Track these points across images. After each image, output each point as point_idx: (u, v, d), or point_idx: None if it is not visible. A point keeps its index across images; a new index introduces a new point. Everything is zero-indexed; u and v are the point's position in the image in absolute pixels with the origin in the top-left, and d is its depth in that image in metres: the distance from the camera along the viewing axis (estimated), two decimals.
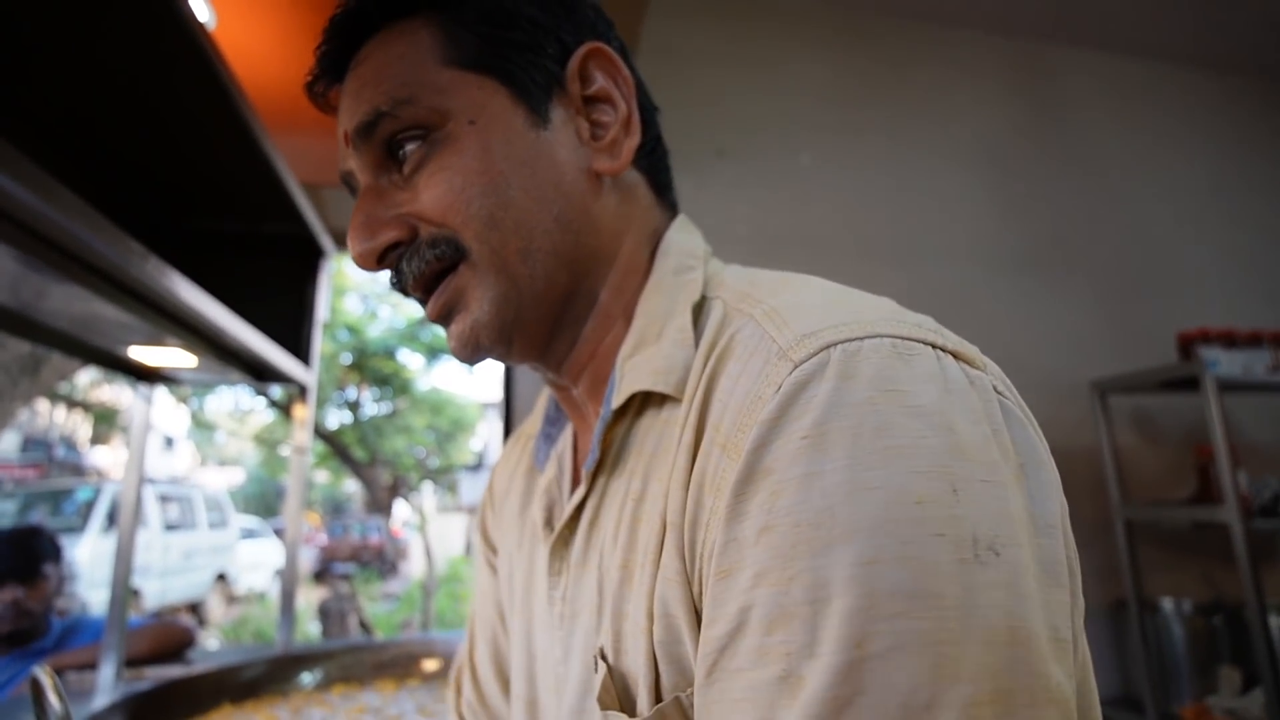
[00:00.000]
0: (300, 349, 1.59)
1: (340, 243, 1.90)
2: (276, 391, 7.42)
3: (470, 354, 0.43)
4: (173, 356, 1.28)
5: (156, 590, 6.38)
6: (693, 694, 0.32)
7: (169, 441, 17.03)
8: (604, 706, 0.36)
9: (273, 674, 1.17)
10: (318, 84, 0.46)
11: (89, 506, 6.07)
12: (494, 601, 0.59)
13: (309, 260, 1.67)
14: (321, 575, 9.09)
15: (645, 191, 0.48)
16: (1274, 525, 1.68)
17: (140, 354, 1.24)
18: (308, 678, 1.17)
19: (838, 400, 0.29)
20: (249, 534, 9.75)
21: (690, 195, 2.05)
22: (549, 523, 0.48)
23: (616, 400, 0.40)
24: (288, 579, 1.51)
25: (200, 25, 1.00)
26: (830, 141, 2.18)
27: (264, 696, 1.15)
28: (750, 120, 2.14)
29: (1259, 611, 1.50)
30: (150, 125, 1.18)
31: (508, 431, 1.92)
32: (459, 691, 0.62)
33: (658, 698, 0.35)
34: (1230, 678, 1.66)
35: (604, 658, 0.38)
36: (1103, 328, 2.21)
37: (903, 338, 0.31)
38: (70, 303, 1.00)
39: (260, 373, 1.50)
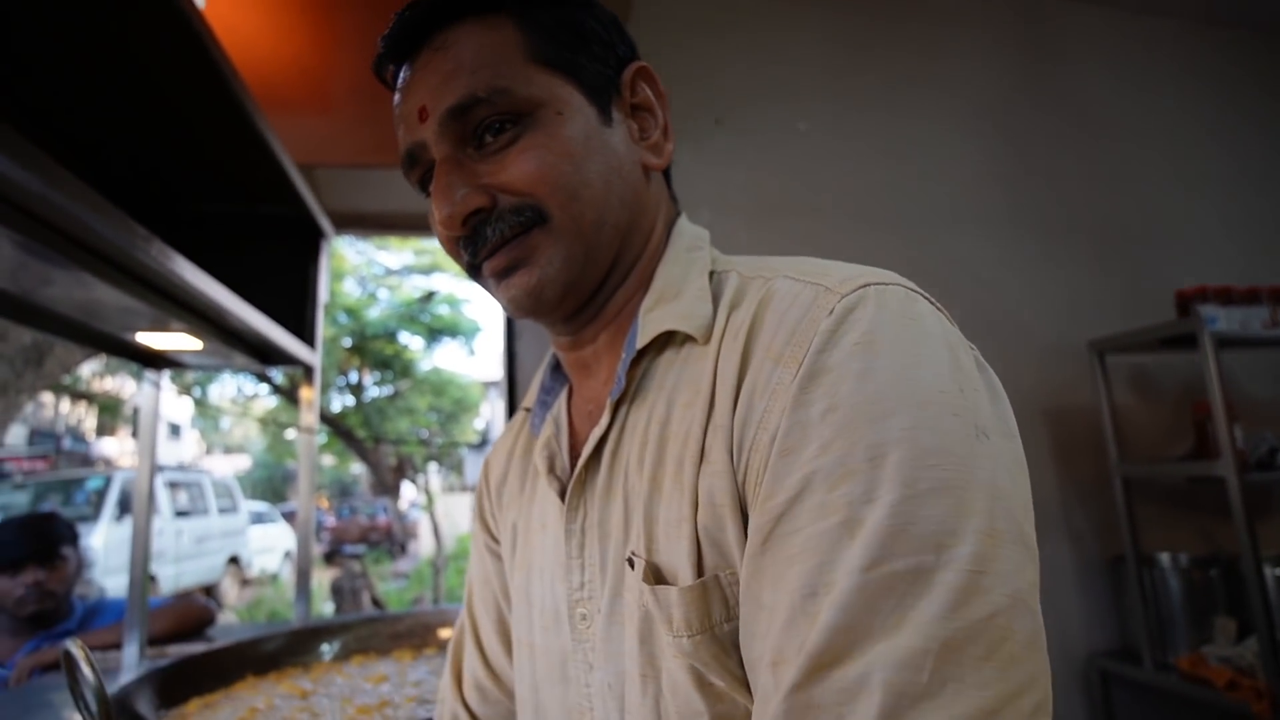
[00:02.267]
0: (303, 330, 1.60)
1: (340, 225, 1.90)
2: (279, 376, 7.44)
3: (533, 304, 0.48)
4: (179, 340, 1.30)
5: (171, 575, 6.48)
6: (733, 574, 0.40)
7: (174, 429, 17.12)
8: (648, 583, 0.42)
9: (293, 646, 1.21)
10: (387, 61, 0.51)
11: (100, 495, 6.14)
12: (497, 585, 0.63)
13: (309, 242, 1.67)
14: (332, 557, 9.21)
15: (663, 185, 0.56)
16: (1270, 479, 1.70)
17: (147, 339, 1.25)
18: (326, 649, 1.20)
19: (880, 320, 0.38)
20: (258, 518, 9.85)
21: (687, 164, 2.05)
22: (553, 470, 0.53)
23: (642, 340, 0.47)
24: (303, 555, 1.54)
25: (193, 6, 0.99)
26: (827, 107, 2.16)
27: (285, 668, 1.18)
28: (746, 87, 2.12)
29: (1254, 562, 1.54)
30: (144, 109, 1.18)
31: (511, 409, 1.94)
32: (458, 678, 0.66)
33: (699, 575, 0.41)
34: (1225, 627, 1.70)
35: (635, 556, 0.44)
36: (1101, 287, 2.22)
37: (908, 289, 0.41)
38: (76, 289, 1.01)
39: (265, 355, 1.52)
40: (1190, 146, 2.41)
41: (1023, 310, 2.16)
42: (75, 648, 0.75)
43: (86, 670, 0.74)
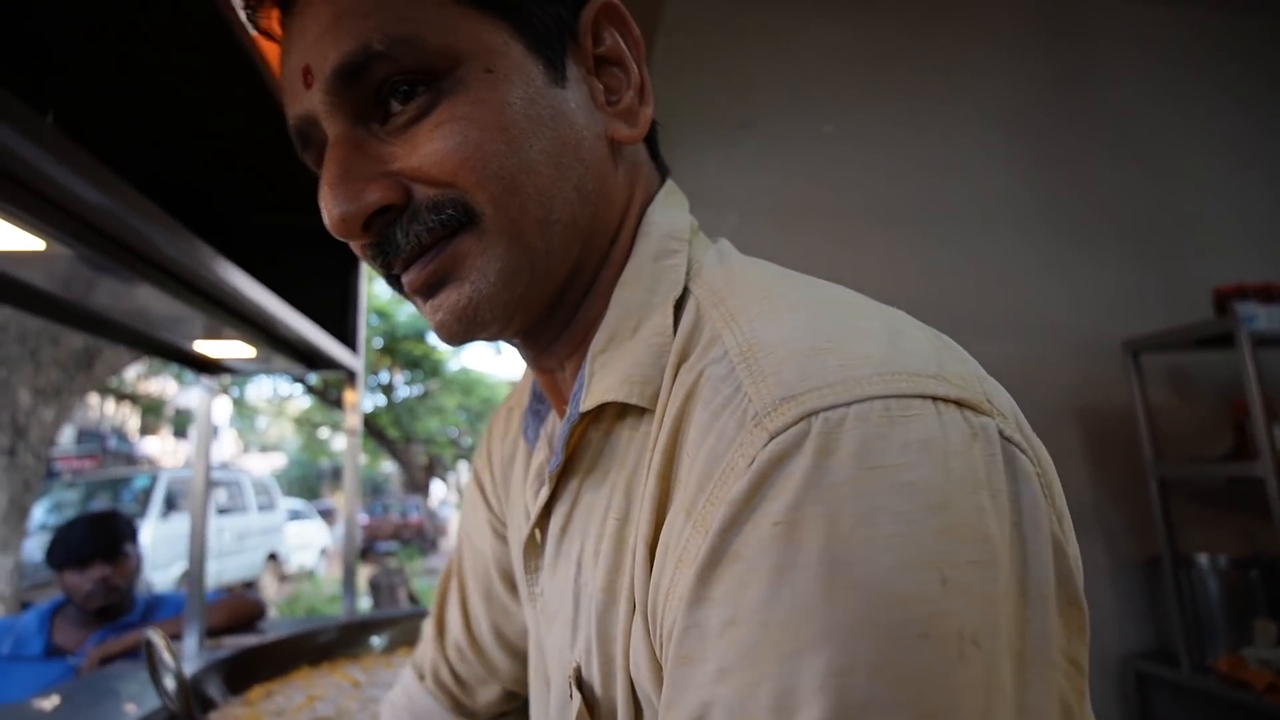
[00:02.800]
0: (346, 336, 1.67)
1: None
2: (312, 377, 7.63)
3: (464, 330, 0.37)
4: (234, 348, 1.37)
5: (213, 571, 6.70)
6: None
7: (214, 430, 17.61)
8: None
9: (344, 639, 1.27)
10: (264, 5, 0.37)
11: (147, 494, 6.37)
12: (494, 566, 0.59)
13: (349, 250, 1.74)
14: (365, 554, 9.40)
15: (646, 159, 0.43)
16: None
17: (205, 347, 1.32)
18: (376, 641, 1.26)
19: (816, 481, 0.26)
20: (295, 515, 10.10)
21: (714, 170, 2.08)
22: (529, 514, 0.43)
23: (585, 404, 0.36)
24: (348, 552, 1.61)
25: (244, 31, 1.05)
26: (855, 110, 2.17)
27: (337, 659, 1.24)
28: (773, 91, 2.14)
29: None
30: (197, 128, 1.25)
31: None
32: (441, 632, 0.62)
33: None
34: (1266, 630, 1.67)
35: (579, 682, 0.36)
36: (1137, 286, 2.19)
37: (897, 396, 0.27)
38: (142, 301, 1.07)
39: (311, 360, 1.58)
40: (1227, 140, 2.36)
41: (1055, 310, 2.14)
42: (157, 637, 0.81)
43: (167, 657, 0.80)
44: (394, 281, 0.39)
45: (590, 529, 0.37)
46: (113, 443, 13.73)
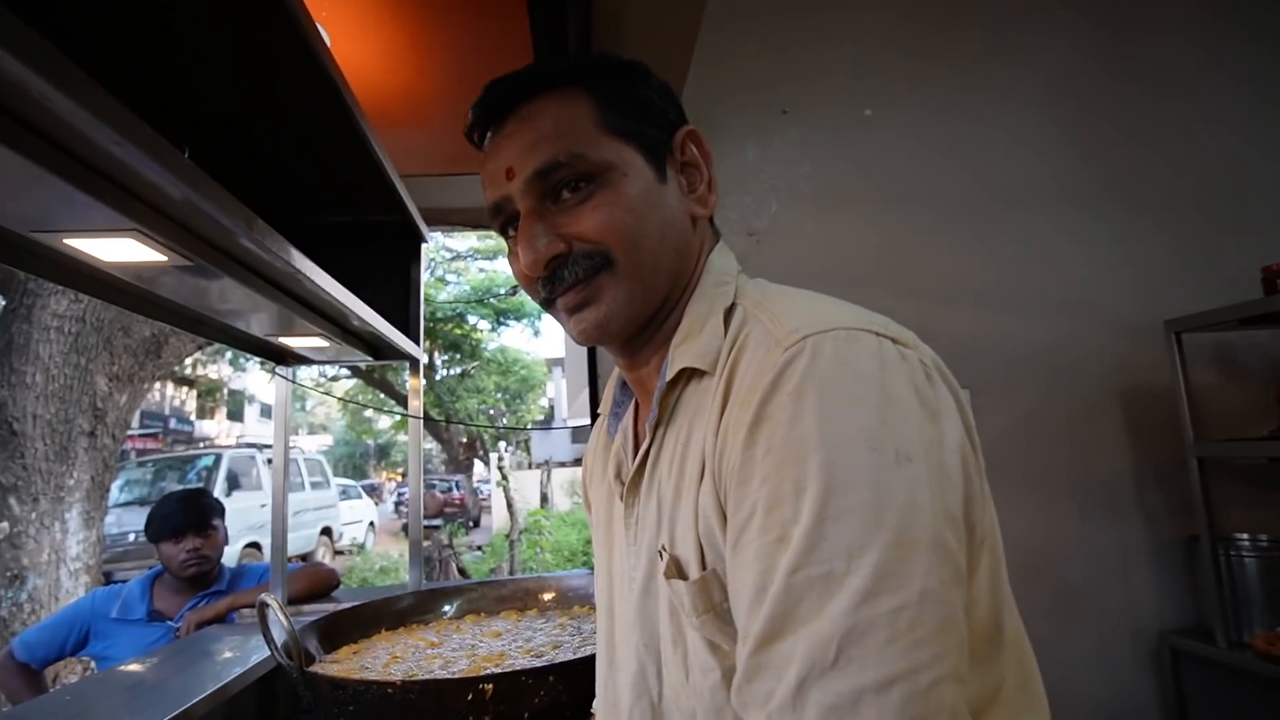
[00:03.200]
0: (408, 327, 1.78)
1: (434, 223, 2.07)
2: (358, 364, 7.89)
3: (599, 334, 0.58)
4: (312, 341, 1.48)
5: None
6: (725, 568, 0.48)
7: (265, 410, 18.30)
8: (668, 577, 0.53)
9: (418, 605, 1.39)
10: (479, 127, 0.61)
11: (210, 472, 6.73)
12: None
13: (409, 244, 1.85)
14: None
15: (707, 227, 0.64)
16: None
17: (288, 341, 1.44)
18: (448, 608, 1.38)
19: (810, 370, 0.45)
20: (343, 493, 10.52)
21: (755, 156, 2.13)
22: (619, 476, 0.65)
23: (670, 374, 0.56)
24: (414, 527, 1.73)
25: (323, 44, 1.14)
26: (894, 93, 2.18)
27: (412, 624, 1.37)
28: (813, 77, 2.16)
29: None
30: (276, 134, 1.34)
31: (593, 386, 2.07)
32: None
33: (703, 569, 0.51)
34: None
35: (664, 550, 0.55)
36: (1183, 265, 2.17)
37: (853, 329, 0.47)
38: (240, 301, 1.19)
39: (377, 350, 1.70)
40: (1276, 116, 2.30)
41: (1098, 290, 2.14)
42: (271, 600, 0.93)
43: (280, 617, 0.92)
44: (548, 304, 0.59)
45: (666, 459, 0.57)
46: (173, 423, 14.40)
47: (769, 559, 0.42)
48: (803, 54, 2.17)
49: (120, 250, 0.85)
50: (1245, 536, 1.84)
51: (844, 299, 0.54)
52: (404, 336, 1.65)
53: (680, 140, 0.60)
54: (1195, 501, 1.86)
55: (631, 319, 0.58)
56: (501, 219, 0.60)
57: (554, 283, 0.57)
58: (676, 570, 0.53)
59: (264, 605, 0.92)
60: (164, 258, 0.89)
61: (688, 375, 0.56)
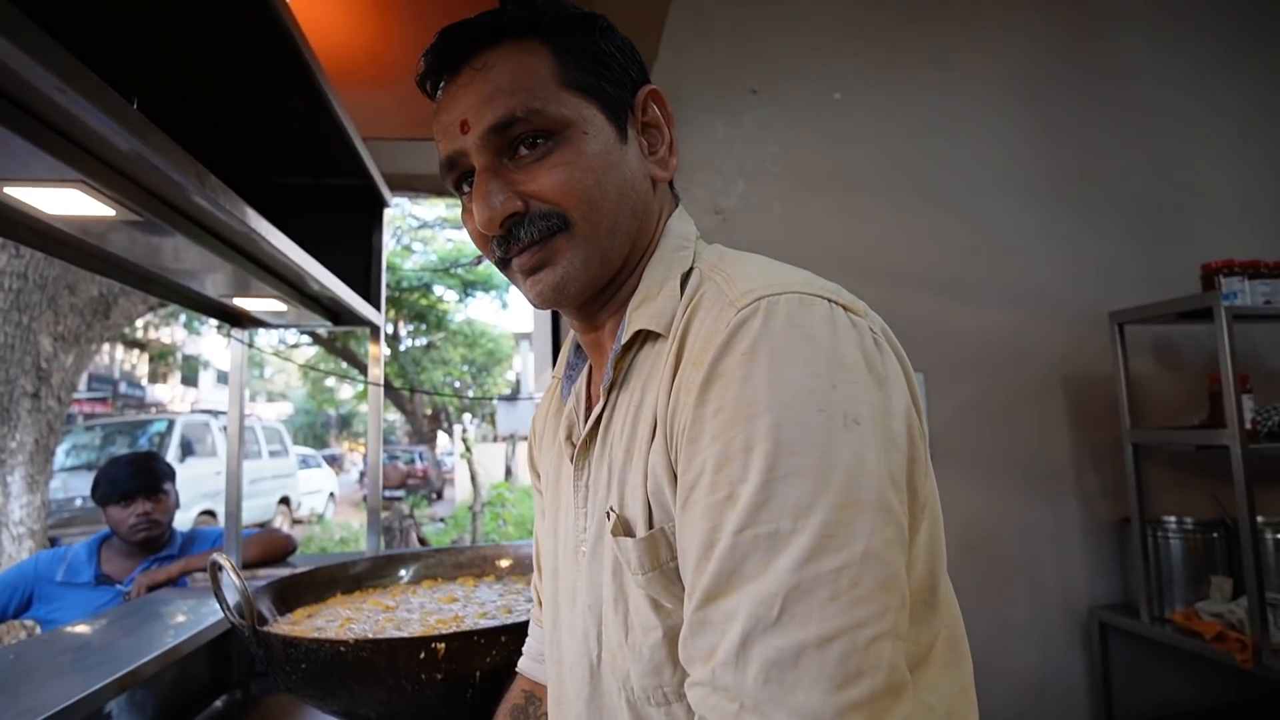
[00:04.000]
0: (369, 292, 1.76)
1: (398, 189, 2.03)
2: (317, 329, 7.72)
3: (555, 297, 0.57)
4: (268, 304, 1.46)
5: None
6: (673, 526, 0.50)
7: (221, 376, 17.82)
8: (614, 535, 0.54)
9: (373, 571, 1.39)
10: (429, 75, 0.58)
11: (162, 437, 6.55)
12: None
13: (371, 210, 1.81)
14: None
15: (667, 190, 0.63)
16: (1278, 449, 1.78)
17: (243, 303, 1.41)
18: (404, 573, 1.39)
19: (763, 330, 0.45)
20: (303, 462, 10.35)
21: (723, 135, 2.13)
22: (570, 438, 0.64)
23: (625, 336, 0.56)
24: (372, 495, 1.73)
25: (284, 2, 1.10)
26: (863, 78, 2.20)
27: (368, 589, 1.37)
28: (783, 58, 2.17)
29: (1250, 526, 1.63)
30: (234, 93, 1.30)
31: (555, 359, 2.08)
32: (540, 603, 0.81)
33: (649, 528, 0.52)
34: (1221, 585, 1.80)
35: (612, 510, 0.55)
36: (1131, 259, 2.26)
37: (807, 293, 0.47)
38: (192, 260, 1.16)
39: (336, 315, 1.67)
40: (1230, 115, 2.39)
41: (1047, 280, 2.21)
42: (223, 560, 0.93)
43: (234, 578, 0.92)
44: (503, 264, 0.58)
45: (618, 421, 0.57)
46: (123, 387, 13.94)
47: (717, 517, 0.43)
48: (774, 35, 2.17)
49: (65, 202, 0.83)
50: (1172, 519, 1.95)
51: None
52: (364, 302, 1.63)
53: (642, 99, 0.59)
54: (1129, 485, 1.96)
55: (589, 282, 0.57)
56: (455, 174, 0.57)
57: (509, 242, 0.55)
58: (624, 529, 0.53)
59: (217, 566, 0.92)
60: (111, 211, 0.87)
61: (642, 338, 0.56)
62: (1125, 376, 1.99)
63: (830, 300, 0.47)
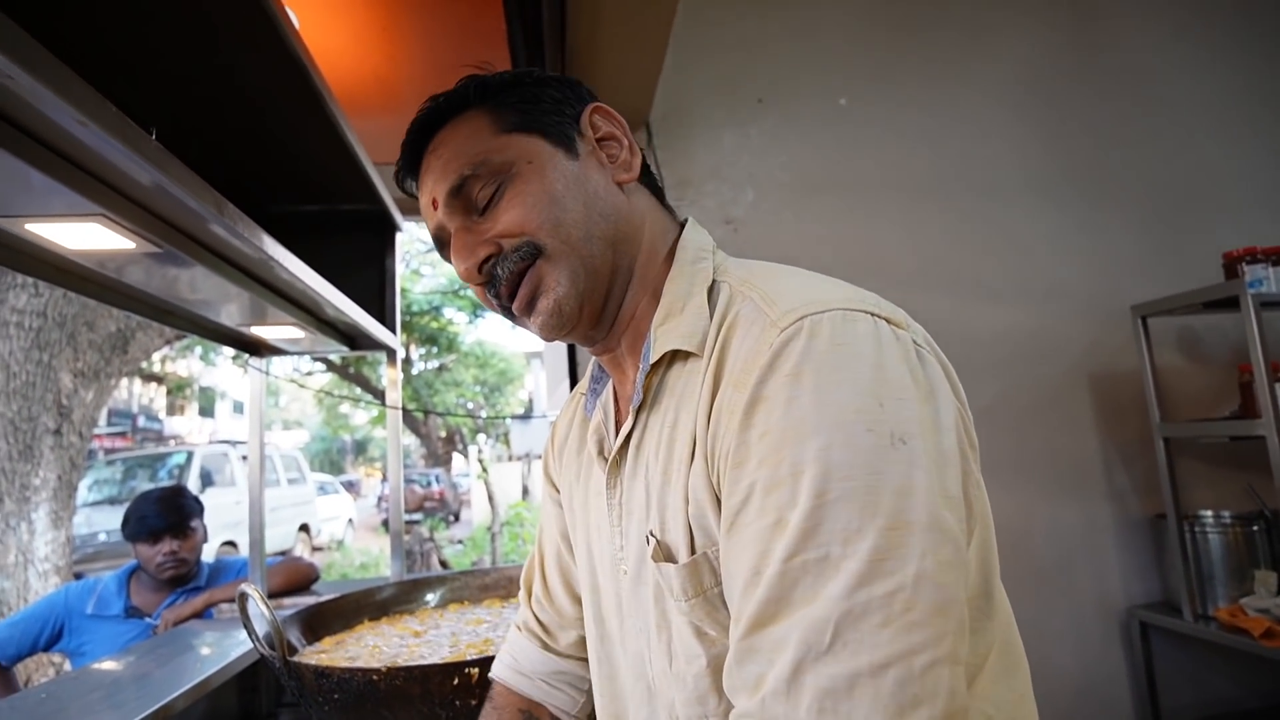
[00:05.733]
0: (384, 316, 1.76)
1: (407, 212, 2.04)
2: (333, 354, 7.78)
3: (556, 324, 0.58)
4: (286, 331, 1.46)
5: (247, 543, 6.95)
6: (716, 550, 0.49)
7: (238, 406, 17.98)
8: (655, 560, 0.53)
9: (400, 596, 1.38)
10: (403, 175, 0.64)
11: (181, 469, 6.60)
12: (559, 527, 0.77)
13: (384, 234, 1.82)
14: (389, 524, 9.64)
15: (649, 196, 0.64)
16: None
17: (261, 331, 1.42)
18: (431, 598, 1.37)
19: (808, 351, 0.45)
20: (320, 489, 10.38)
21: (731, 146, 2.13)
22: (602, 453, 0.64)
23: (654, 356, 0.55)
24: (395, 518, 1.72)
25: (293, 29, 1.11)
26: (869, 82, 2.20)
27: (395, 614, 1.36)
28: (787, 67, 2.17)
29: None
30: (240, 120, 1.31)
31: (573, 377, 2.07)
32: (529, 592, 0.82)
33: (692, 553, 0.52)
34: (1265, 579, 1.75)
35: (653, 535, 0.54)
36: (1149, 251, 2.22)
37: (850, 309, 0.46)
38: (209, 290, 1.16)
39: (353, 341, 1.68)
40: (1244, 104, 2.36)
41: (1067, 276, 2.18)
42: (252, 591, 0.92)
43: (262, 608, 0.91)
44: (507, 312, 0.60)
45: (651, 442, 0.56)
46: (142, 421, 14.09)
47: (765, 542, 0.42)
48: (778, 46, 2.17)
49: (85, 236, 0.83)
50: (1209, 513, 1.90)
51: None
52: (380, 326, 1.63)
53: (588, 118, 0.61)
54: (1161, 481, 1.91)
55: (584, 297, 0.57)
56: (445, 250, 0.61)
57: (496, 285, 0.58)
58: (665, 555, 0.53)
59: (245, 596, 0.91)
60: (131, 244, 0.87)
61: (671, 357, 0.55)
62: (1152, 370, 1.96)
63: (874, 314, 0.47)
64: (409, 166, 0.63)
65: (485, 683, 0.85)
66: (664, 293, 0.57)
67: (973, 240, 2.17)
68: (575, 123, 0.60)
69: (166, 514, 1.70)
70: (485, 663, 0.87)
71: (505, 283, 0.57)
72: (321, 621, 1.23)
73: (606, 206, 0.58)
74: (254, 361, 1.70)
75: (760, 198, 2.10)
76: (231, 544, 6.38)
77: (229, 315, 1.33)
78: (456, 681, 0.85)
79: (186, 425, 16.15)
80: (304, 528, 8.54)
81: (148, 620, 1.68)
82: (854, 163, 2.15)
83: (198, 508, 1.79)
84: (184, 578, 1.74)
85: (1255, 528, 1.85)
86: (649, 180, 0.65)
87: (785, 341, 0.45)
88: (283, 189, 1.66)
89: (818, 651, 0.39)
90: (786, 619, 0.41)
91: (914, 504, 0.41)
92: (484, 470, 7.87)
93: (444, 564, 5.39)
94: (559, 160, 0.57)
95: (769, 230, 2.08)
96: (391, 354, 1.79)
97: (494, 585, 1.46)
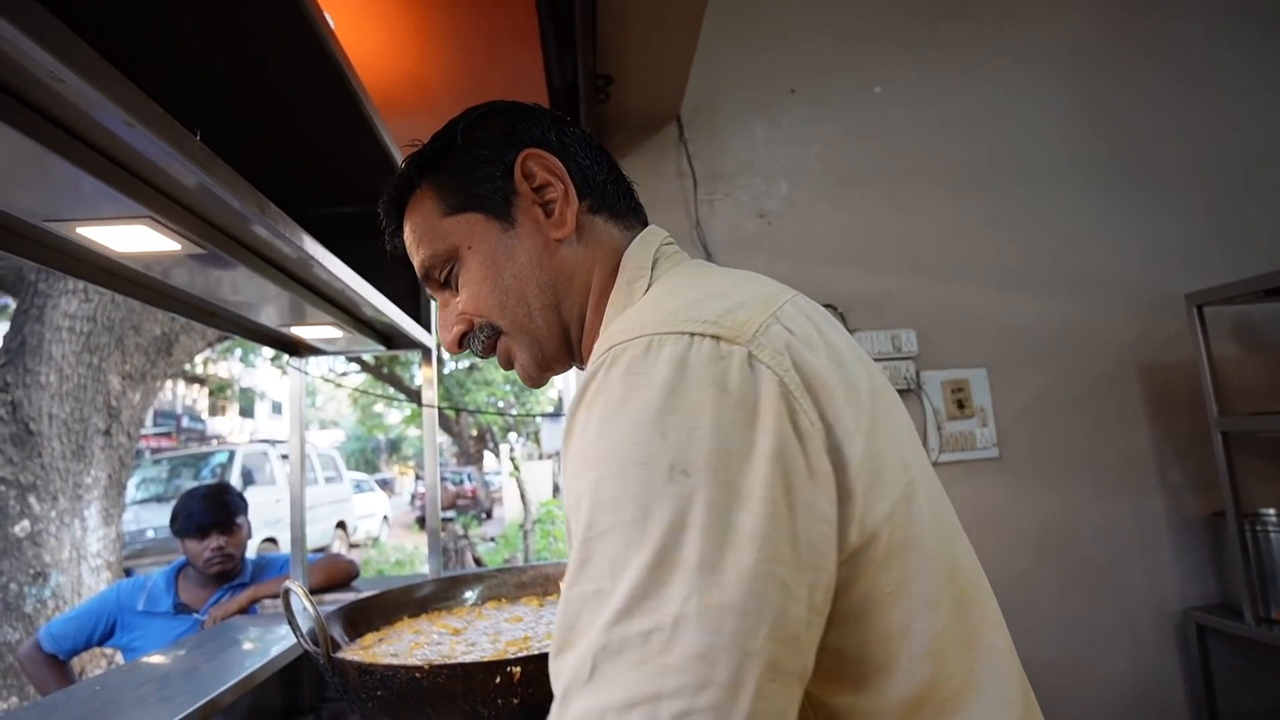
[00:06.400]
0: (419, 315, 1.77)
1: None
2: (367, 355, 7.91)
3: (531, 383, 0.66)
4: (324, 331, 1.48)
5: (287, 540, 7.12)
6: None
7: (276, 406, 18.42)
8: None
9: (439, 593, 1.38)
10: (390, 239, 0.70)
11: (223, 468, 6.78)
12: None
13: None
14: (424, 521, 9.80)
15: (605, 224, 0.64)
16: None
17: (300, 331, 1.44)
18: (469, 595, 1.38)
19: (602, 381, 0.45)
20: (357, 487, 10.58)
21: (763, 138, 2.10)
22: None
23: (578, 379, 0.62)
24: (431, 516, 1.73)
25: (332, 33, 1.12)
26: (904, 69, 2.15)
27: (434, 611, 1.37)
28: (819, 56, 2.13)
29: None
30: (280, 120, 1.33)
31: None
32: None
33: None
34: None
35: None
36: (1203, 237, 2.13)
37: (663, 333, 0.45)
38: (251, 291, 1.18)
39: (390, 340, 1.69)
40: None
41: (1115, 264, 2.11)
42: (295, 587, 0.93)
43: (306, 604, 0.91)
44: (485, 356, 0.66)
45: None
46: (185, 421, 14.53)
47: (567, 572, 0.44)
48: (809, 34, 2.14)
49: (133, 239, 0.85)
50: (1272, 512, 1.82)
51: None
52: (416, 324, 1.64)
53: (520, 170, 0.61)
54: (1220, 477, 1.83)
55: (545, 359, 0.63)
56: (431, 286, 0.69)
57: (473, 348, 0.65)
58: None
59: (289, 593, 0.92)
60: (177, 246, 0.88)
61: None
62: (1208, 361, 1.87)
63: (695, 334, 0.44)
64: (394, 231, 0.69)
65: (526, 681, 0.85)
66: (604, 316, 0.60)
67: (1014, 228, 2.10)
68: (510, 178, 0.61)
69: (213, 510, 1.74)
70: (526, 661, 0.87)
71: (481, 352, 0.64)
72: (363, 618, 1.24)
73: (544, 276, 0.61)
74: (293, 361, 1.72)
75: (794, 189, 2.06)
76: (272, 540, 6.53)
77: (269, 316, 1.35)
78: (499, 680, 0.85)
79: (227, 425, 16.60)
80: (341, 525, 8.72)
81: (195, 615, 1.72)
82: (889, 151, 2.10)
83: (243, 505, 1.82)
84: (229, 573, 1.77)
85: None
86: (605, 199, 0.64)
87: (592, 373, 0.46)
88: (319, 190, 1.68)
89: (580, 682, 0.39)
90: (570, 648, 0.40)
91: (685, 540, 0.38)
92: (516, 468, 7.94)
93: (478, 561, 5.45)
94: (496, 237, 0.60)
95: (803, 222, 2.04)
96: (427, 352, 1.80)
97: (531, 583, 1.46)
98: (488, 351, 0.64)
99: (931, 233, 2.07)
